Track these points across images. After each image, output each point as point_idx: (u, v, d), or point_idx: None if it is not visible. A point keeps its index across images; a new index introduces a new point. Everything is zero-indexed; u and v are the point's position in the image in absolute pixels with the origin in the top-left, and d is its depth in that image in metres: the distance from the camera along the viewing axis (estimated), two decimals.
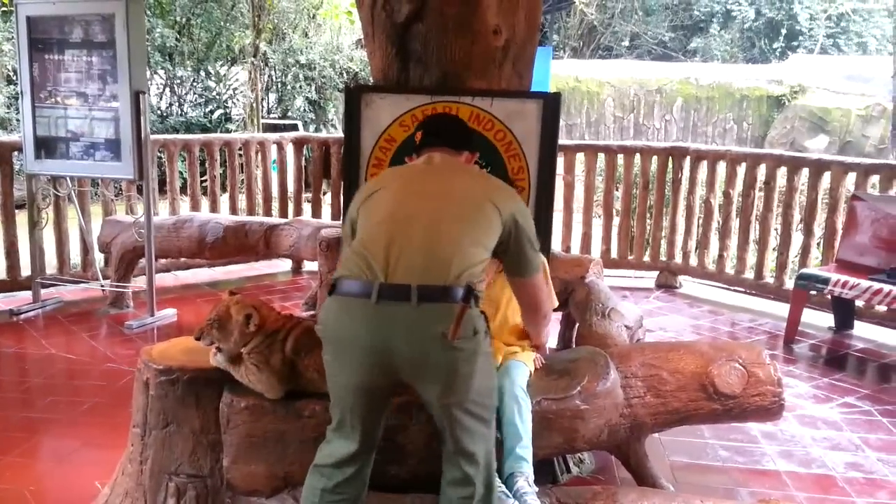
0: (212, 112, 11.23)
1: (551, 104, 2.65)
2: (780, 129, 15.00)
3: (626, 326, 3.30)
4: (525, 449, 2.22)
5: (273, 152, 6.31)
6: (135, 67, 4.50)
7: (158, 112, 11.00)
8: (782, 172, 5.39)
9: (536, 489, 2.19)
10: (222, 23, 11.10)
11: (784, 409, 2.63)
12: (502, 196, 2.12)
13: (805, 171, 5.28)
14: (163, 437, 2.39)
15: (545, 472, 2.84)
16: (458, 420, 1.91)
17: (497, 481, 2.12)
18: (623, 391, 2.55)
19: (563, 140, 8.82)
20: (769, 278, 5.49)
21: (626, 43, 20.18)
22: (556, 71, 14.98)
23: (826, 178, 5.17)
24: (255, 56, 9.70)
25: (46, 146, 4.77)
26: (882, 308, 4.75)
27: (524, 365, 2.44)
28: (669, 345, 2.92)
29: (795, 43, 19.00)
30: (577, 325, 3.46)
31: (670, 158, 5.91)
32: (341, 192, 3.47)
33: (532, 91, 2.84)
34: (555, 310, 3.57)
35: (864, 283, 4.33)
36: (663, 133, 15.12)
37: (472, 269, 1.91)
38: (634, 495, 2.33)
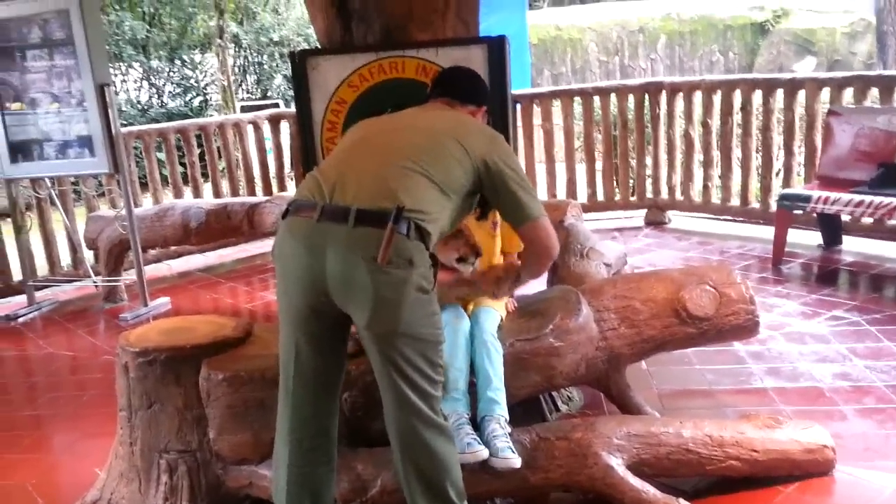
0: (192, 100, 11.19)
1: (497, 47, 2.64)
2: (766, 55, 14.84)
3: (605, 264, 3.32)
4: (496, 391, 2.25)
5: (267, 132, 6.33)
6: (96, 61, 4.48)
7: (139, 106, 10.97)
8: (758, 96, 5.36)
9: (509, 430, 2.22)
10: (191, 8, 11.01)
11: (758, 325, 2.65)
12: (474, 138, 2.05)
13: (780, 92, 5.24)
14: (148, 418, 2.43)
15: (533, 413, 2.89)
16: (392, 361, 1.86)
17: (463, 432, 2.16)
18: (597, 325, 2.58)
19: (540, 88, 8.77)
20: (755, 203, 5.50)
21: None
22: (535, 21, 14.82)
23: (801, 97, 5.14)
24: (220, 37, 9.61)
25: (22, 150, 4.78)
26: (868, 220, 4.74)
27: (493, 311, 2.46)
28: (640, 275, 2.94)
29: None
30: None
31: (646, 95, 5.87)
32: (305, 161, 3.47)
33: (476, 37, 2.82)
34: None
35: (846, 196, 4.32)
36: (650, 72, 14.99)
37: (424, 207, 1.88)
38: (614, 423, 2.36)
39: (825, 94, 5.08)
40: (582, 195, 6.08)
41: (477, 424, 2.24)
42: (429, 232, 1.88)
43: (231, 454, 2.37)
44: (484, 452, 2.12)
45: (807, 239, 5.09)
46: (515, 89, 6.36)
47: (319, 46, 2.85)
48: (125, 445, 2.52)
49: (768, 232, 5.16)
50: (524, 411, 2.74)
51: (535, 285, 3.24)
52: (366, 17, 2.64)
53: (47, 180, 5.06)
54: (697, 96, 5.65)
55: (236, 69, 11.71)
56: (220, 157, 6.25)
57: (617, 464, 2.25)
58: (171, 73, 11.32)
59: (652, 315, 2.61)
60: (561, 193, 6.10)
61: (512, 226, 2.13)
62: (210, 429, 2.37)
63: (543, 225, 2.10)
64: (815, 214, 4.77)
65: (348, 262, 1.83)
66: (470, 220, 2.55)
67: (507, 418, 2.25)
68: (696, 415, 2.84)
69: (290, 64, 2.78)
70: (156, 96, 11.30)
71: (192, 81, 11.39)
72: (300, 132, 2.81)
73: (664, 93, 5.78)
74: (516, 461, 2.13)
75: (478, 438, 2.16)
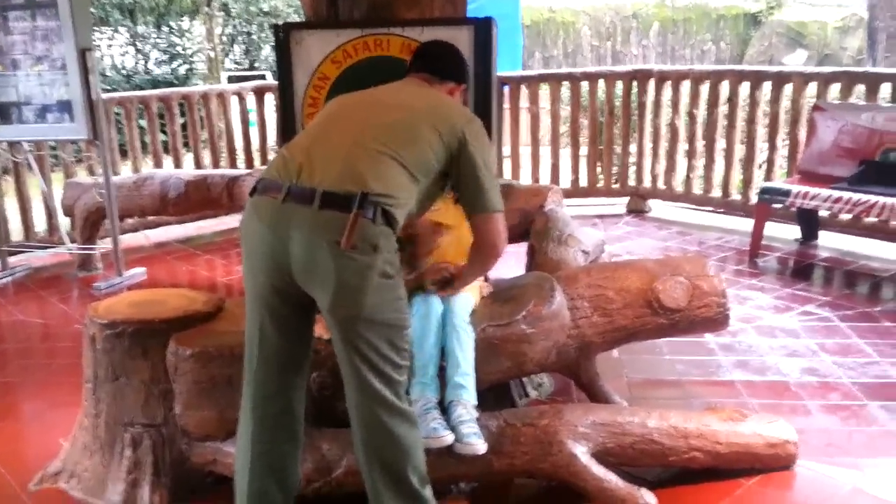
0: (178, 68, 11.05)
1: (483, 30, 2.60)
2: (757, 46, 14.85)
3: (583, 252, 3.31)
4: (465, 376, 2.24)
5: (251, 104, 6.27)
6: (79, 25, 4.40)
7: (124, 72, 10.81)
8: (745, 88, 5.35)
9: (476, 415, 2.21)
10: None
11: (729, 318, 2.66)
12: (451, 119, 2.01)
13: (767, 85, 5.24)
14: (114, 390, 2.42)
15: (503, 398, 2.89)
16: (355, 345, 1.85)
17: (432, 419, 2.16)
18: (570, 312, 2.58)
19: (528, 71, 8.73)
20: (736, 195, 5.52)
21: None
22: (529, 2, 14.73)
23: (788, 90, 5.15)
24: (208, 5, 9.46)
25: (0, 112, 4.71)
26: (846, 216, 4.77)
27: (466, 295, 2.45)
28: (615, 264, 2.94)
29: None
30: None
31: (634, 82, 5.86)
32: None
33: (463, 17, 2.79)
34: (518, 240, 3.61)
35: (825, 192, 4.34)
36: (641, 59, 14.96)
37: (392, 191, 1.85)
38: (580, 411, 2.37)
39: (811, 88, 5.09)
40: (565, 180, 6.07)
41: (445, 408, 2.24)
42: (395, 217, 1.86)
43: (196, 430, 2.36)
44: (449, 438, 2.12)
45: (785, 233, 5.12)
46: (506, 71, 6.34)
47: (305, 20, 2.81)
48: (90, 417, 2.50)
49: (748, 224, 5.18)
50: (494, 396, 2.75)
51: (513, 270, 3.25)
52: None
53: (25, 144, 4.99)
54: (685, 86, 5.65)
55: (224, 38, 11.56)
56: (202, 127, 6.19)
57: (581, 452, 2.26)
58: (158, 40, 11.15)
59: (625, 304, 2.61)
60: (545, 178, 6.09)
61: (467, 212, 2.08)
62: (176, 404, 2.35)
63: (498, 220, 2.07)
64: (793, 209, 4.79)
65: (312, 245, 1.80)
66: (448, 202, 2.54)
67: (475, 403, 2.25)
68: (664, 405, 2.85)
69: (273, 36, 2.73)
70: (141, 62, 11.14)
71: (178, 49, 11.24)
72: (281, 106, 2.78)
73: (652, 81, 5.77)
74: (481, 447, 2.13)
75: (444, 423, 2.16)
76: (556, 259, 3.17)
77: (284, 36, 2.65)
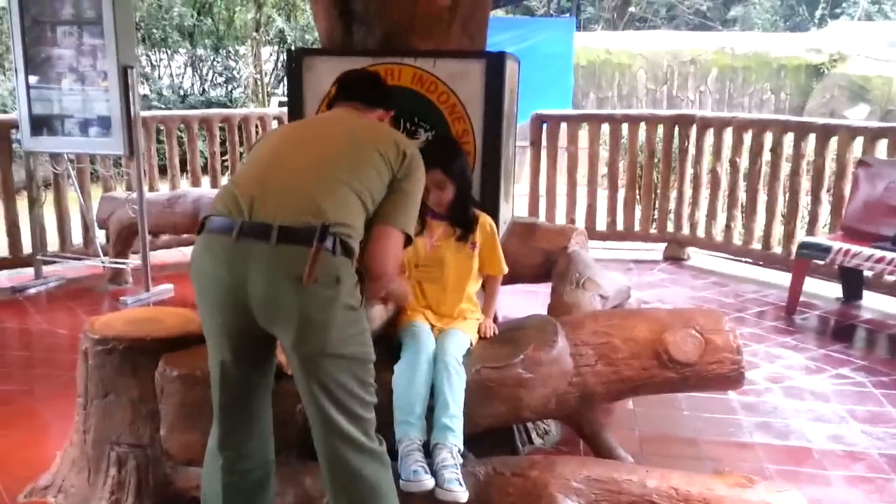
0: (232, 91, 11.29)
1: (495, 64, 2.55)
2: (818, 98, 14.52)
3: (601, 296, 3.20)
4: (452, 419, 2.15)
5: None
6: (122, 42, 4.49)
7: (181, 92, 11.09)
8: (790, 139, 5.19)
9: (461, 460, 2.12)
10: (241, 0, 11.12)
11: (744, 376, 2.51)
12: (392, 140, 1.97)
13: (812, 137, 5.07)
14: (103, 407, 2.40)
15: (505, 443, 2.79)
16: (320, 382, 1.78)
17: (418, 457, 2.08)
18: (573, 359, 2.47)
19: (568, 110, 8.66)
20: (777, 248, 5.32)
21: (663, 13, 19.77)
22: (587, 43, 14.71)
23: (833, 144, 4.97)
24: (256, 31, 9.66)
25: (45, 124, 4.82)
26: (890, 277, 4.55)
27: (461, 333, 2.37)
28: (625, 312, 2.82)
29: (839, 10, 18.40)
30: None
31: (676, 127, 5.74)
32: None
33: (475, 51, 2.74)
34: (540, 280, 3.52)
35: (867, 251, 4.15)
36: (698, 105, 14.75)
37: (349, 220, 1.79)
38: (574, 464, 2.26)
39: (858, 143, 4.90)
40: (601, 223, 5.96)
41: (429, 451, 2.16)
42: (352, 247, 1.79)
43: (180, 453, 2.31)
44: (429, 482, 2.03)
45: (828, 290, 4.92)
46: (554, 109, 6.30)
47: (319, 46, 2.80)
48: (79, 433, 2.49)
49: (787, 278, 4.99)
50: (495, 441, 2.64)
51: (536, 310, 3.14)
52: (367, 20, 2.57)
53: (66, 156, 5.09)
54: (728, 133, 5.51)
55: (279, 64, 11.78)
56: (242, 148, 6.25)
57: None
58: (215, 63, 11.42)
59: (631, 355, 2.49)
60: (580, 219, 5.98)
61: (375, 220, 1.93)
62: (161, 425, 2.31)
63: (396, 238, 1.91)
64: (834, 266, 4.59)
65: (272, 281, 1.74)
66: (449, 241, 2.48)
67: (462, 448, 2.16)
68: (672, 464, 2.71)
69: (285, 60, 2.73)
70: (198, 84, 11.41)
71: (234, 72, 11.50)
72: None
73: (694, 126, 5.64)
74: (462, 495, 2.04)
75: (426, 466, 2.07)
76: (571, 302, 3.07)
77: (297, 61, 2.64)
